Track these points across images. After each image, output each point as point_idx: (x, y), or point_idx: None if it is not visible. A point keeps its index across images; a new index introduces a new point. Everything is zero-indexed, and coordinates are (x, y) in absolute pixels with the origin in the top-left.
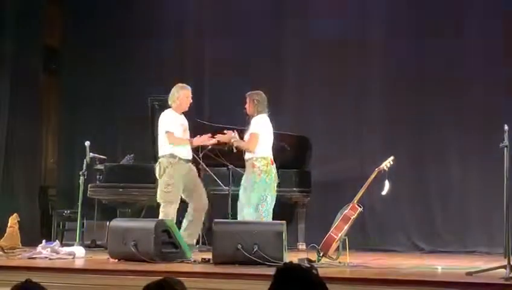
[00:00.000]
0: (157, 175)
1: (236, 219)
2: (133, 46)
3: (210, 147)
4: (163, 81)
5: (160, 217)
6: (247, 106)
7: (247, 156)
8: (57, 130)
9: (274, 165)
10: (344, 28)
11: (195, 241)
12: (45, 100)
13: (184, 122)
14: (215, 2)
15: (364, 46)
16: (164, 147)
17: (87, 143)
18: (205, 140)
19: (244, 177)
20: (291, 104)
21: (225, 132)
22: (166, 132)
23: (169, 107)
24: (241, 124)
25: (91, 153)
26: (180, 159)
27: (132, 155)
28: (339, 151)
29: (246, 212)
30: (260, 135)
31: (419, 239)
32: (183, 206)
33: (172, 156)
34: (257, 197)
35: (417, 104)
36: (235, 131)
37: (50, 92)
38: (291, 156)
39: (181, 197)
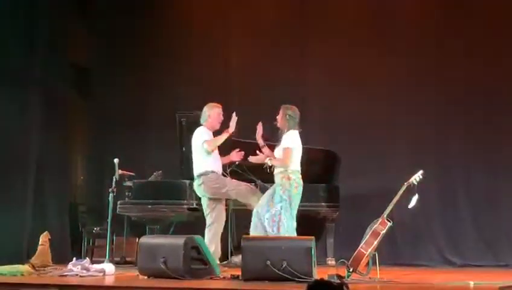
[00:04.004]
0: (199, 194)
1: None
2: (163, 65)
3: (237, 162)
4: (192, 100)
5: (212, 234)
6: (278, 117)
7: (278, 169)
8: (86, 147)
9: None
10: (369, 40)
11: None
12: (74, 119)
13: None
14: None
15: (390, 56)
16: (200, 164)
17: (116, 160)
18: (234, 157)
19: (277, 191)
20: (318, 118)
21: (258, 152)
22: (204, 142)
23: (199, 124)
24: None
25: (120, 170)
26: (218, 174)
27: (160, 172)
28: (368, 166)
29: (290, 225)
30: (293, 150)
31: (451, 253)
32: None
33: (212, 172)
34: (295, 209)
35: (443, 116)
36: (265, 146)
37: (79, 110)
38: (319, 170)
39: None
